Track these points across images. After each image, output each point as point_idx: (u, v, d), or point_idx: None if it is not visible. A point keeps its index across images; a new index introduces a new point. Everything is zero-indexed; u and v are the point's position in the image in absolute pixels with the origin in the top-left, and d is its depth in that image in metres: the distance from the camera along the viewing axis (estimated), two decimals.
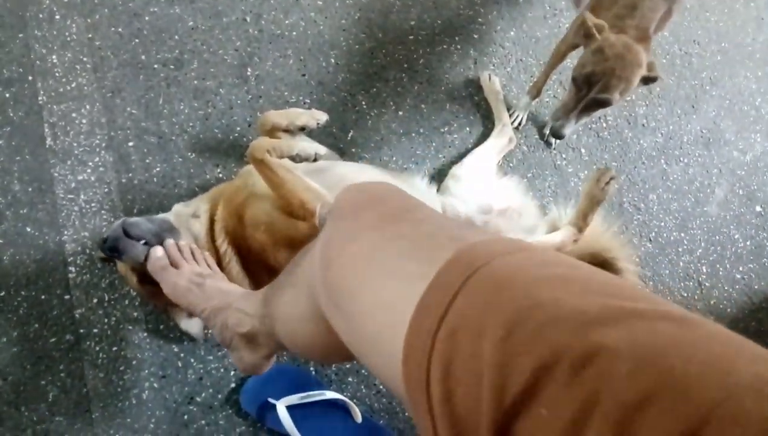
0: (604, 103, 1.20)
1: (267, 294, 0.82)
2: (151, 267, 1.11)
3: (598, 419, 0.29)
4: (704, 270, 1.70)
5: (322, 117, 1.39)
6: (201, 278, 1.05)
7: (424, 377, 0.38)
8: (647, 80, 1.20)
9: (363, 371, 1.39)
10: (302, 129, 1.37)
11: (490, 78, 1.64)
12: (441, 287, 0.40)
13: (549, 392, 0.32)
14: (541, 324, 0.34)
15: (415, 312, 0.40)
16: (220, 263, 1.21)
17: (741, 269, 1.73)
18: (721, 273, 1.71)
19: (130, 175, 1.41)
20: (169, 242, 1.16)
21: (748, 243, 1.76)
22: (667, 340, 0.31)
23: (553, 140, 1.65)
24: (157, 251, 1.13)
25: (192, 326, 1.27)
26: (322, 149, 1.30)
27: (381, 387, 1.39)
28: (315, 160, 1.26)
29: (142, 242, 1.13)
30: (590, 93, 1.20)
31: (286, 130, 1.36)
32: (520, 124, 1.63)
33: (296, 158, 1.22)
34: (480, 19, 1.74)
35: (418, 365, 0.38)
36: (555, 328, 0.33)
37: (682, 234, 1.71)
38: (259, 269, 1.21)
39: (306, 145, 1.27)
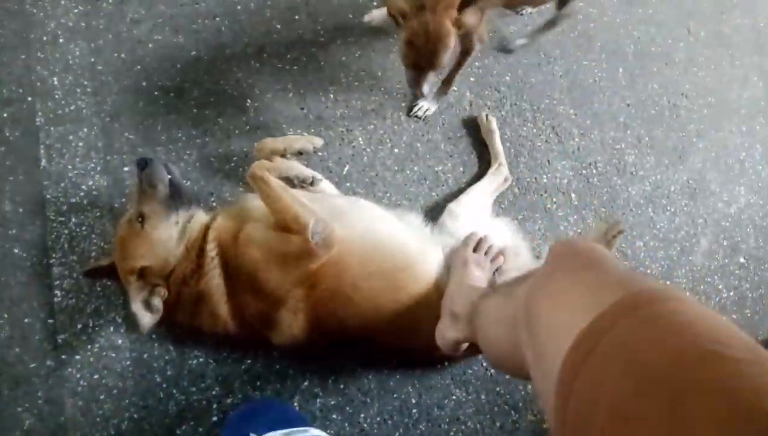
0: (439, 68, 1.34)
1: (486, 291, 1.05)
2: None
3: None
4: None
5: (318, 142, 1.46)
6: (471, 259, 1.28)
7: (569, 385, 0.51)
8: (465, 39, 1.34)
9: (348, 408, 1.37)
10: (300, 153, 1.43)
11: (487, 118, 1.67)
12: (602, 321, 0.52)
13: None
14: (658, 378, 0.44)
15: (575, 339, 0.52)
16: (201, 267, 1.21)
17: (725, 319, 1.75)
18: None
19: (124, 200, 1.40)
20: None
21: (731, 293, 1.79)
22: None
23: (419, 109, 1.67)
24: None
25: (142, 315, 1.17)
26: (318, 175, 1.33)
27: (365, 425, 1.37)
28: (312, 183, 1.29)
29: (168, 177, 1.25)
30: (424, 72, 1.32)
31: (283, 156, 1.39)
32: (424, 113, 1.68)
33: (294, 180, 1.26)
34: (477, 63, 1.78)
35: (570, 372, 0.51)
36: (668, 381, 0.44)
37: (668, 282, 1.73)
38: (245, 291, 1.21)
39: (304, 168, 1.34)
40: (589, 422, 0.47)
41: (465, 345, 1.18)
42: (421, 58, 1.29)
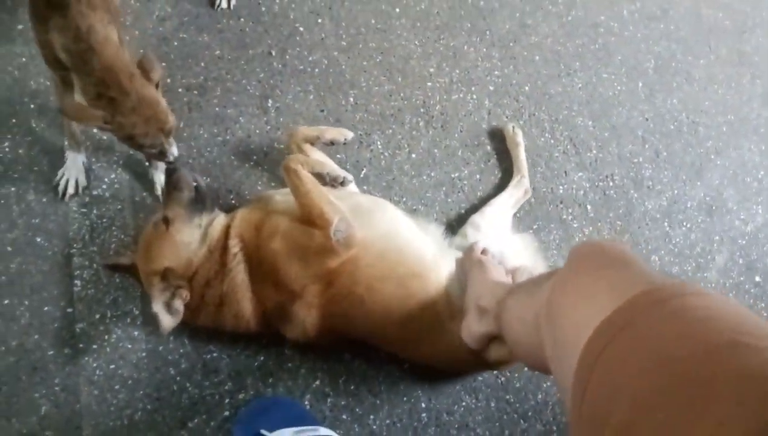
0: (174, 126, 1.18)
1: (513, 287, 1.05)
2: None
3: None
4: None
5: (349, 135, 1.50)
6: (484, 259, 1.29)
7: (586, 377, 0.52)
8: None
9: (358, 409, 1.38)
10: (331, 143, 1.47)
11: (513, 129, 1.68)
12: (620, 314, 0.54)
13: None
14: (683, 369, 0.45)
15: (594, 332, 0.54)
16: (225, 265, 1.22)
17: (749, 310, 1.74)
18: None
19: (144, 194, 1.42)
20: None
21: None
22: None
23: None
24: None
25: (163, 316, 1.15)
26: (350, 176, 1.35)
27: (374, 427, 1.37)
28: (342, 183, 1.31)
29: (194, 184, 1.27)
30: (164, 139, 1.17)
31: (313, 144, 1.44)
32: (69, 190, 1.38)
33: (326, 177, 1.29)
34: (497, 72, 1.79)
35: (587, 364, 0.53)
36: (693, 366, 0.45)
37: None
38: (266, 282, 1.23)
39: (336, 167, 1.36)
40: (608, 413, 0.47)
41: (489, 344, 1.18)
42: (149, 137, 1.14)
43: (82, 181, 1.38)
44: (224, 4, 1.64)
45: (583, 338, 0.55)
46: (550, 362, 0.66)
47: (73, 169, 1.37)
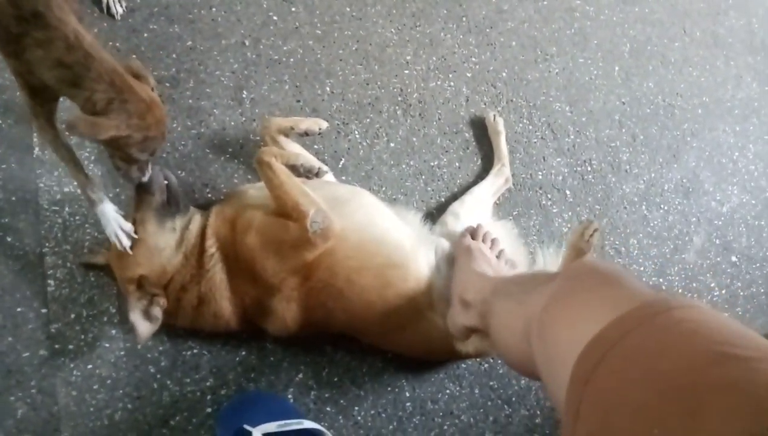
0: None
1: (498, 287, 1.02)
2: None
3: None
4: None
5: (324, 124, 1.47)
6: (474, 247, 1.29)
7: (579, 395, 0.53)
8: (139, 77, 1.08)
9: (342, 401, 1.38)
10: (306, 134, 1.45)
11: (494, 118, 1.67)
12: (609, 332, 0.55)
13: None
14: (674, 383, 0.46)
15: (585, 348, 0.55)
16: (203, 266, 1.20)
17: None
18: None
19: (117, 190, 1.39)
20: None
21: (723, 292, 1.80)
22: None
23: None
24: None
25: (141, 325, 1.14)
26: (325, 166, 1.33)
27: (359, 418, 1.37)
28: (317, 174, 1.29)
29: (165, 182, 1.23)
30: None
31: (287, 135, 1.41)
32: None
33: (300, 168, 1.27)
34: (474, 59, 1.78)
35: (580, 381, 0.54)
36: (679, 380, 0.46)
37: (661, 280, 1.74)
38: (243, 278, 1.21)
39: (311, 158, 1.34)
40: (604, 428, 0.49)
41: (471, 335, 1.19)
42: (156, 141, 1.08)
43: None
44: (118, 9, 1.50)
45: (574, 356, 0.56)
46: (542, 378, 0.67)
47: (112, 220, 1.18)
